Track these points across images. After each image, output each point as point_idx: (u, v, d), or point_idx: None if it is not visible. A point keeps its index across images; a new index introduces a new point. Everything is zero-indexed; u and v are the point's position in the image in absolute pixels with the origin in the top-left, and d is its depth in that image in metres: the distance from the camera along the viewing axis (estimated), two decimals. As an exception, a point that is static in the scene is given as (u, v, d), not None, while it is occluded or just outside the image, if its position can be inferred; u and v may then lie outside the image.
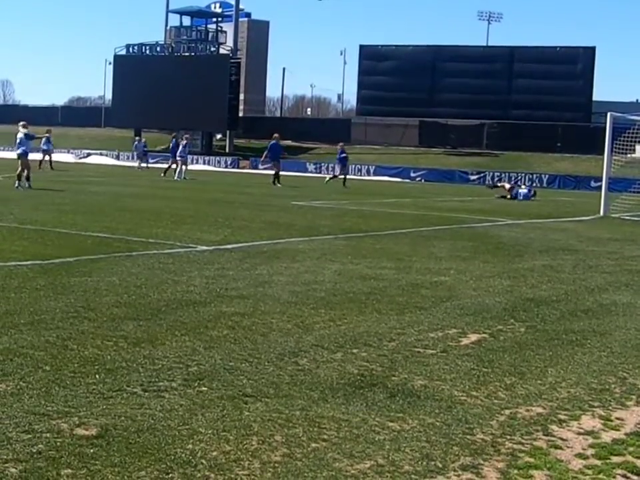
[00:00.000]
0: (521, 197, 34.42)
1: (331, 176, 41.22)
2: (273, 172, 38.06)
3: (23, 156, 26.33)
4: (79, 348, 6.41)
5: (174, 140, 44.04)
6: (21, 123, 27.29)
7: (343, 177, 39.44)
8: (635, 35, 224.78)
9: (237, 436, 4.69)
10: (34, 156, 31.57)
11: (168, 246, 12.95)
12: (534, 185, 53.23)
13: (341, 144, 42.20)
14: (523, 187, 37.33)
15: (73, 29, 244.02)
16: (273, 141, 38.12)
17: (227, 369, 6.02)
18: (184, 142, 42.06)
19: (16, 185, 25.76)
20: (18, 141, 26.75)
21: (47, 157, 44.95)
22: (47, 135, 45.47)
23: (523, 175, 55.51)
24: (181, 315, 7.77)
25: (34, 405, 5.05)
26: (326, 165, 62.54)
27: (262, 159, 40.40)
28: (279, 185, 35.70)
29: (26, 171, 26.22)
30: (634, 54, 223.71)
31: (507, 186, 35.97)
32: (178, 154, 41.79)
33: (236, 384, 5.67)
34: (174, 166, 41.51)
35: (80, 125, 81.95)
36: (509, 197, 34.16)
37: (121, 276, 9.82)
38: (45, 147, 45.46)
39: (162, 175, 41.17)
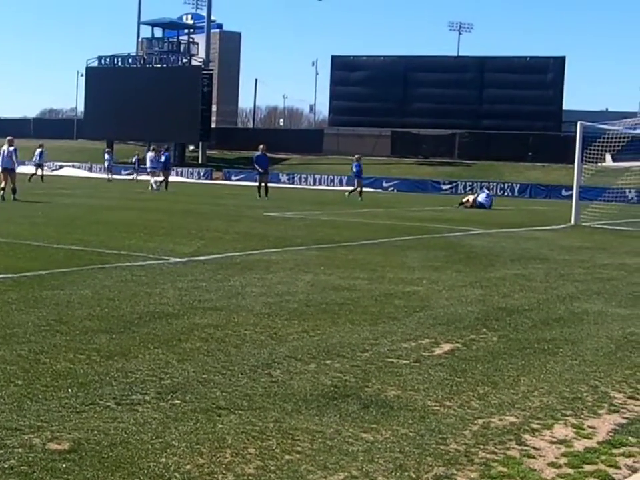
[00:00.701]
0: (477, 204, 34.78)
1: (351, 190, 40.79)
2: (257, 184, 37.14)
3: (11, 170, 26.77)
4: (51, 362, 6.37)
5: (162, 151, 44.33)
6: (8, 138, 27.67)
7: (359, 189, 39.50)
8: (604, 45, 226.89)
9: (211, 449, 4.68)
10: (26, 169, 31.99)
11: (141, 258, 12.91)
12: (505, 194, 53.58)
13: (357, 156, 42.05)
14: (481, 195, 37.51)
15: (44, 41, 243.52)
16: (258, 152, 37.38)
17: (200, 382, 6.01)
18: (152, 154, 42.44)
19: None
20: (7, 154, 27.04)
21: (39, 171, 45.86)
22: (40, 149, 46.06)
23: (495, 184, 55.74)
24: (153, 328, 7.74)
25: (6, 419, 5.01)
26: (298, 175, 62.63)
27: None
28: (266, 198, 34.45)
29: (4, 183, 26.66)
30: (603, 63, 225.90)
31: (471, 198, 36.27)
32: (149, 166, 41.99)
33: (209, 396, 5.66)
34: (161, 178, 41.58)
35: (52, 137, 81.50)
36: (470, 205, 34.54)
37: (93, 289, 9.78)
38: (38, 161, 46.09)
39: (163, 189, 40.85)
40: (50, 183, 43.37)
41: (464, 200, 36.10)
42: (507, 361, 7.04)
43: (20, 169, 28.62)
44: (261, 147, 37.08)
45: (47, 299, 8.97)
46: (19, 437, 4.71)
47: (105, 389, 5.74)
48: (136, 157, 45.14)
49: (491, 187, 55.12)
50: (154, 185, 40.77)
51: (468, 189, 54.95)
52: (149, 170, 42.50)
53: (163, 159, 42.80)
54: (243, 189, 37.26)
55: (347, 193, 39.84)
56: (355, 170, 40.38)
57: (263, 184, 36.10)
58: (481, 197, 36.07)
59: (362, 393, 5.92)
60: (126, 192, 37.64)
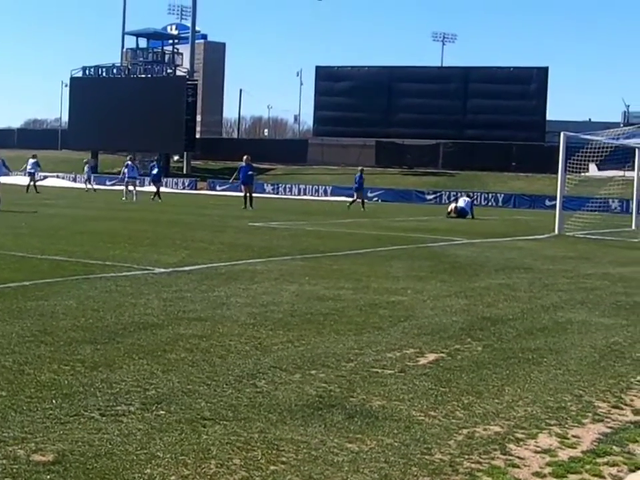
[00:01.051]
0: (459, 210, 35.04)
1: (351, 201, 41.03)
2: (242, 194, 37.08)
3: None
4: (36, 373, 6.35)
5: (153, 163, 44.92)
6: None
7: (360, 200, 40.02)
8: (587, 55, 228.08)
9: (195, 460, 4.67)
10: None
11: (125, 268, 12.88)
12: (489, 204, 53.75)
13: (360, 168, 42.37)
14: (460, 200, 37.72)
15: (28, 51, 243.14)
16: (242, 164, 37.30)
17: (184, 392, 6.00)
18: (129, 163, 43.09)
19: None
20: None
21: (31, 181, 46.36)
22: (34, 159, 46.35)
23: (479, 194, 55.93)
24: (138, 338, 7.73)
25: (-10, 431, 4.99)
26: (283, 185, 62.66)
27: (231, 180, 39.55)
28: (250, 208, 34.49)
29: None
30: (586, 74, 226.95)
31: (453, 205, 36.52)
32: (127, 175, 42.51)
33: (194, 407, 5.65)
34: (137, 188, 42.10)
35: (36, 148, 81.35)
36: (453, 213, 34.77)
37: (78, 299, 9.75)
38: (31, 171, 46.32)
39: (152, 198, 41.18)
40: (34, 193, 43.28)
41: (449, 209, 36.30)
42: (491, 371, 7.05)
43: (10, 179, 28.67)
44: (245, 157, 37.06)
45: (31, 310, 8.94)
46: (3, 449, 4.69)
47: (89, 399, 5.72)
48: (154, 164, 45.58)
49: (475, 196, 55.20)
50: (132, 195, 41.29)
51: (452, 198, 55.06)
52: (126, 179, 43.30)
53: (155, 170, 43.49)
54: (227, 199, 37.22)
55: (348, 205, 40.00)
56: (357, 182, 40.59)
57: (247, 194, 36.02)
58: (461, 202, 36.39)
59: (347, 403, 5.93)
60: (111, 202, 37.59)
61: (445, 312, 9.98)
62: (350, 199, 41.81)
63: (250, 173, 36.63)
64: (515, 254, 18.35)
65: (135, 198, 40.56)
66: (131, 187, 42.17)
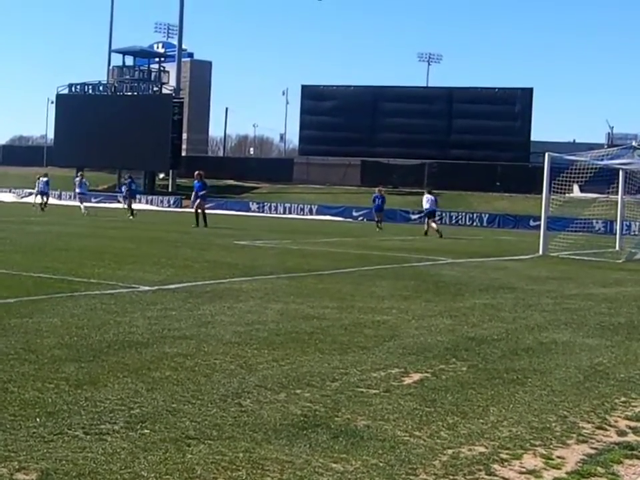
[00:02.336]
0: (426, 211, 35.53)
1: (377, 221, 41.38)
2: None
3: None
4: (19, 390, 6.32)
5: (129, 179, 45.64)
6: None
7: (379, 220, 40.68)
8: (571, 77, 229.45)
9: (180, 479, 4.65)
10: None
11: (110, 286, 12.85)
12: (474, 224, 53.91)
13: (379, 187, 42.75)
14: (424, 201, 38.13)
15: (13, 68, 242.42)
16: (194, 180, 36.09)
17: (169, 411, 5.98)
18: (80, 179, 44.35)
19: None
20: None
21: (43, 198, 46.48)
22: (46, 178, 46.63)
23: (464, 214, 56.09)
24: (123, 357, 7.70)
25: (-27, 449, 4.96)
26: (268, 204, 62.69)
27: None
28: (204, 226, 33.48)
29: None
30: (570, 95, 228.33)
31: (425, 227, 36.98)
32: (78, 192, 45.74)
33: (179, 426, 5.63)
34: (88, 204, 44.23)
35: (21, 165, 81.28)
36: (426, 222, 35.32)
37: (62, 317, 9.72)
38: (42, 189, 46.41)
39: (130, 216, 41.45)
40: (17, 209, 43.18)
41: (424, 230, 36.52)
42: (476, 391, 7.06)
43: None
44: (196, 173, 36.18)
45: (15, 327, 8.91)
46: (-14, 467, 4.67)
47: (73, 418, 5.70)
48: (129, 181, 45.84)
49: (460, 216, 55.51)
50: (83, 210, 42.95)
51: (437, 218, 55.15)
52: (78, 196, 45.64)
53: (133, 186, 44.16)
54: (212, 218, 37.09)
55: (377, 228, 40.03)
56: (377, 202, 41.00)
57: (199, 210, 34.67)
58: (425, 204, 37.30)
59: (332, 422, 5.92)
60: (95, 219, 37.52)
61: (429, 332, 9.98)
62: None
63: (202, 191, 34.97)
64: (499, 274, 18.40)
65: (86, 212, 42.22)
66: (85, 203, 44.45)
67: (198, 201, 34.95)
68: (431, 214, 37.76)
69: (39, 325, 9.14)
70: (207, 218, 34.61)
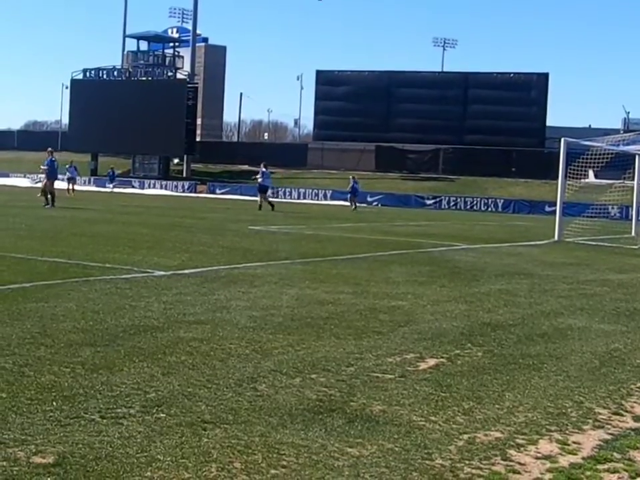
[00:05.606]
0: (259, 188, 38.40)
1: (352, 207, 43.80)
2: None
3: None
4: (36, 375, 6.34)
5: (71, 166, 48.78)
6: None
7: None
8: (587, 62, 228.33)
9: (196, 463, 4.66)
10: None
11: (125, 271, 12.87)
12: (489, 209, 53.80)
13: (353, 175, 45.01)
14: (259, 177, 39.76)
15: (28, 53, 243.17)
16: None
17: (185, 395, 5.99)
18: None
19: None
20: None
21: (71, 185, 48.68)
22: (72, 165, 49.66)
23: (479, 199, 55.98)
24: (138, 341, 7.72)
25: (-10, 433, 4.98)
26: (283, 189, 62.70)
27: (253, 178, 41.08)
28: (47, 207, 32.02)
29: None
30: (586, 80, 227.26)
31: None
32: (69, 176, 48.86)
33: (194, 410, 5.64)
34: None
35: (36, 149, 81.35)
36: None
37: (77, 302, 9.74)
38: (70, 175, 48.99)
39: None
40: (33, 195, 43.26)
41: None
42: (491, 376, 7.05)
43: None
44: (48, 149, 35.99)
45: (31, 312, 8.93)
46: (3, 451, 4.68)
47: (89, 402, 5.71)
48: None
49: (475, 202, 55.40)
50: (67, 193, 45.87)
51: (452, 204, 55.22)
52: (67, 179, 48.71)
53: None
54: (227, 203, 37.13)
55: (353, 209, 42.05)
56: (354, 187, 43.75)
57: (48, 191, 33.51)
58: (260, 180, 39.19)
59: (347, 407, 5.92)
60: (108, 204, 37.58)
61: (445, 317, 9.97)
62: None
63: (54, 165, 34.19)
64: (514, 259, 18.36)
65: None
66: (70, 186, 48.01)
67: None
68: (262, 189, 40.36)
69: (54, 309, 9.16)
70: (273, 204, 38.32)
